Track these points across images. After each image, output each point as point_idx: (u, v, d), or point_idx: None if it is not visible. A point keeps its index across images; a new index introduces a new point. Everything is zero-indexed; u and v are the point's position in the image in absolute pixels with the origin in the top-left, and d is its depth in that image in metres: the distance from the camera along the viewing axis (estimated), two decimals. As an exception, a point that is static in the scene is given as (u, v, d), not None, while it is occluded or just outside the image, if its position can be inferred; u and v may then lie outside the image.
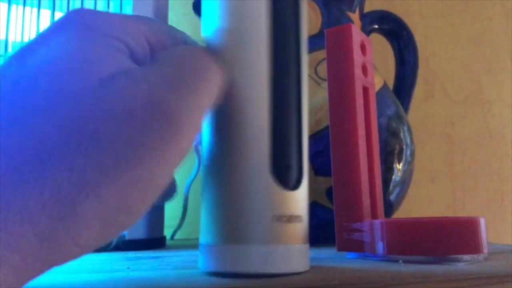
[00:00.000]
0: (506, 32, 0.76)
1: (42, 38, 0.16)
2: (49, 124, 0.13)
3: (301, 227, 0.19)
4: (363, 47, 0.29)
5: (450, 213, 0.68)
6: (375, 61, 0.49)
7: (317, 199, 0.34)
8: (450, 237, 0.23)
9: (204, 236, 0.19)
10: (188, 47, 0.18)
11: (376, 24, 0.47)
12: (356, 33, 0.28)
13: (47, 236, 0.12)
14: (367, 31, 0.46)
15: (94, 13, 0.17)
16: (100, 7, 0.43)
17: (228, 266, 0.18)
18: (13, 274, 0.12)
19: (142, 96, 0.14)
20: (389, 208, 0.39)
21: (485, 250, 0.23)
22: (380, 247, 0.24)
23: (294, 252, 0.19)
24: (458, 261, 0.22)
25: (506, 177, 0.72)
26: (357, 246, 0.26)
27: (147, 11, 0.43)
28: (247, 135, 0.19)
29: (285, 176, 0.19)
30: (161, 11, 0.47)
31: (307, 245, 0.20)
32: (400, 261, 0.23)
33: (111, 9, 0.43)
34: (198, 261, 0.20)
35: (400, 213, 0.65)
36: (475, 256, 0.23)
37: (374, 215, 0.28)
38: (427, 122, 0.69)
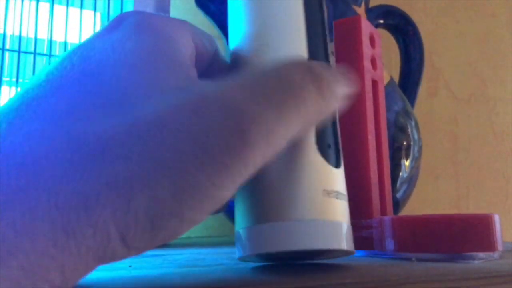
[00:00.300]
0: (510, 29, 0.75)
1: (97, 38, 0.16)
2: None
3: (346, 205, 0.19)
4: (372, 40, 0.28)
5: (454, 211, 0.68)
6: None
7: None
8: (464, 234, 0.22)
9: (246, 220, 0.18)
10: (283, 61, 0.16)
11: (382, 19, 0.46)
12: (365, 25, 0.28)
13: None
14: (373, 25, 0.46)
15: (148, 14, 0.17)
16: (100, 2, 0.42)
17: (280, 244, 0.17)
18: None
19: (215, 100, 0.13)
20: (396, 205, 0.38)
21: (500, 248, 0.23)
22: (390, 244, 0.24)
23: (343, 229, 0.18)
24: (473, 258, 0.22)
25: (511, 175, 0.71)
26: (366, 244, 0.25)
27: (149, 7, 0.42)
28: None
29: (329, 154, 0.19)
30: (163, 7, 0.46)
31: (351, 227, 0.19)
32: (413, 258, 0.22)
33: (111, 4, 0.43)
34: (236, 251, 0.19)
35: (405, 211, 0.64)
36: (490, 254, 0.22)
37: (383, 212, 0.27)
38: (431, 119, 0.69)
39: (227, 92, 0.14)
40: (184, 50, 0.16)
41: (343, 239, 0.18)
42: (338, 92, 0.16)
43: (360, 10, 0.41)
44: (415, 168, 0.37)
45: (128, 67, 0.14)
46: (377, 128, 0.28)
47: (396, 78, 0.48)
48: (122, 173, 0.12)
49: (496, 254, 0.22)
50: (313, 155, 0.18)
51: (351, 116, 0.27)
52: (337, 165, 0.19)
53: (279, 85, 0.14)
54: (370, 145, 0.26)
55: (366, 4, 0.43)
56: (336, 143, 0.20)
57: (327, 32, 0.21)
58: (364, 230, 0.25)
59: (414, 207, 0.65)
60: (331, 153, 0.19)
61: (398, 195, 0.37)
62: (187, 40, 0.17)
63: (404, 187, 0.36)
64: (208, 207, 0.13)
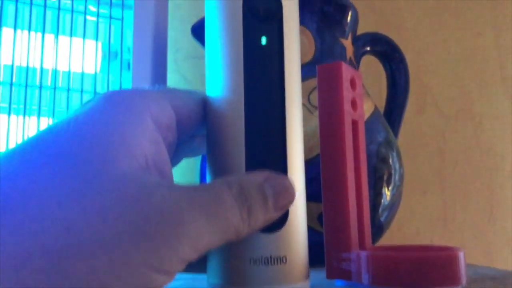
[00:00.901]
0: (496, 47, 0.77)
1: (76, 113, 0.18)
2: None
3: (285, 267, 0.20)
4: (353, 82, 0.31)
5: (440, 225, 0.70)
6: (369, 82, 0.51)
7: (308, 223, 0.35)
8: (430, 271, 0.24)
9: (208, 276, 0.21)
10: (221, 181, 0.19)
11: (369, 46, 0.49)
12: (346, 70, 0.30)
13: None
14: (359, 53, 0.48)
15: (124, 90, 0.19)
16: (101, 30, 0.44)
17: None
18: None
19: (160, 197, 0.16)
20: (380, 229, 0.40)
21: (463, 281, 0.25)
22: (365, 277, 0.26)
23: None
24: (438, 294, 0.24)
25: (495, 189, 0.73)
26: (345, 275, 0.27)
27: (147, 29, 0.45)
28: (226, 163, 0.20)
29: None
30: (161, 29, 0.48)
31: (299, 284, 0.21)
32: (382, 293, 0.24)
33: (112, 31, 0.45)
34: None
35: (393, 226, 0.66)
36: (454, 288, 0.24)
37: (362, 244, 0.29)
38: (419, 135, 0.71)
39: (168, 194, 0.16)
40: (151, 122, 0.18)
41: None
42: (270, 208, 0.19)
43: (347, 42, 0.44)
44: (396, 195, 0.39)
45: (80, 140, 0.16)
46: (356, 165, 0.30)
47: (383, 102, 0.50)
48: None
49: (459, 288, 0.25)
50: None
51: (332, 156, 0.29)
52: (271, 230, 0.20)
53: (211, 200, 0.17)
54: (349, 183, 0.28)
55: (353, 34, 0.45)
56: None
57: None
58: (343, 262, 0.27)
59: (402, 221, 0.67)
60: None
61: (381, 219, 0.39)
62: (160, 106, 0.19)
63: (386, 213, 0.39)
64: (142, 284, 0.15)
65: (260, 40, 0.21)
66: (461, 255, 0.26)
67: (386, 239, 0.66)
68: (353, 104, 0.31)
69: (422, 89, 0.73)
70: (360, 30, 0.49)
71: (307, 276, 0.22)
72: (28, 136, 0.18)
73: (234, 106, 0.21)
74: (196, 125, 0.22)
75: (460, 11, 0.76)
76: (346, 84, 0.30)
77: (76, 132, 0.17)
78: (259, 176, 0.19)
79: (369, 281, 0.26)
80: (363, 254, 0.26)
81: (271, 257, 0.20)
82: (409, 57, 0.72)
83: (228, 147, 0.20)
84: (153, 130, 0.18)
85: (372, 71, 0.53)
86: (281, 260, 0.20)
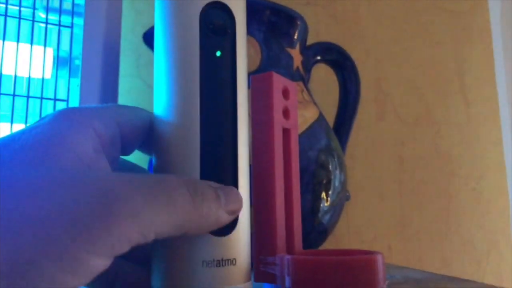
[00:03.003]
0: (454, 57, 0.80)
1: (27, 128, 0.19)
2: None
3: (234, 269, 0.21)
4: (285, 92, 0.32)
5: (398, 229, 0.72)
6: (321, 91, 0.52)
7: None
8: (347, 275, 0.25)
9: (152, 280, 0.22)
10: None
11: (320, 56, 0.50)
12: (278, 80, 0.31)
13: None
14: (311, 62, 0.49)
15: (73, 108, 0.20)
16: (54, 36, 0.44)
17: None
18: None
19: (94, 180, 0.17)
20: (322, 233, 0.41)
21: (381, 284, 0.26)
22: (288, 281, 0.27)
23: None
24: (353, 296, 0.25)
25: (452, 195, 0.75)
26: (270, 278, 0.28)
27: (98, 36, 0.45)
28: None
29: None
30: (112, 36, 0.48)
31: (245, 284, 0.22)
32: (298, 297, 0.25)
33: (62, 39, 0.45)
34: None
35: (351, 229, 0.68)
36: (370, 291, 0.25)
37: (291, 248, 0.30)
38: (379, 142, 0.73)
39: (106, 177, 0.17)
40: (94, 135, 0.20)
41: None
42: (214, 208, 0.19)
43: (295, 52, 0.45)
44: (337, 200, 0.40)
45: (28, 149, 0.18)
46: (287, 172, 0.31)
47: (334, 111, 0.51)
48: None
49: (375, 292, 0.26)
50: None
51: (261, 163, 0.30)
52: (223, 233, 0.21)
53: (155, 182, 0.17)
54: (277, 189, 0.29)
55: (302, 44, 0.47)
56: None
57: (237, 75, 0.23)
58: (268, 266, 0.28)
59: (360, 225, 0.69)
60: None
61: (324, 223, 0.40)
62: (104, 123, 0.20)
63: (327, 217, 0.40)
64: (81, 271, 0.15)
65: (215, 53, 0.22)
66: (378, 258, 0.27)
67: (343, 245, 0.67)
68: (286, 113, 0.32)
69: (382, 97, 0.74)
70: (321, 39, 0.51)
71: (250, 278, 0.23)
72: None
73: (189, 115, 0.21)
74: (140, 140, 0.23)
75: (420, 21, 0.78)
76: (277, 94, 0.31)
77: (26, 141, 0.18)
78: (212, 182, 0.21)
79: (290, 285, 0.26)
80: (286, 257, 0.27)
81: (222, 259, 0.21)
82: (369, 65, 0.74)
83: (181, 154, 0.21)
84: (97, 143, 0.20)
85: (324, 80, 0.55)
86: (231, 262, 0.21)
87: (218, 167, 0.21)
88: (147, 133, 0.23)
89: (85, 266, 0.15)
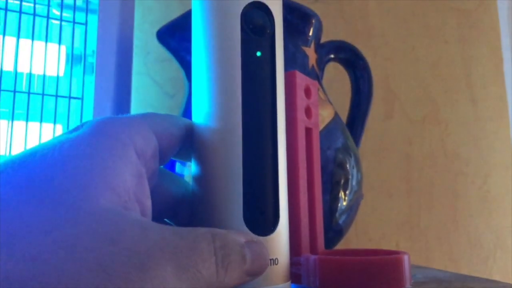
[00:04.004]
0: (461, 55, 0.79)
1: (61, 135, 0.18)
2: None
3: (276, 268, 0.21)
4: (307, 91, 0.31)
5: (406, 228, 0.72)
6: (333, 89, 0.52)
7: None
8: (375, 275, 0.25)
9: None
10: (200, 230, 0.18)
11: (333, 54, 0.50)
12: (300, 78, 0.31)
13: None
14: (324, 61, 0.49)
15: (108, 118, 0.19)
16: (66, 37, 0.44)
17: None
18: None
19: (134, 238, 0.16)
20: (339, 233, 0.41)
21: (407, 284, 0.26)
22: (314, 281, 0.27)
23: None
24: (381, 296, 0.25)
25: (460, 193, 0.75)
26: (297, 279, 0.28)
27: (112, 33, 0.45)
28: (221, 183, 0.21)
29: (257, 223, 0.21)
30: (126, 33, 0.48)
31: (286, 284, 0.22)
32: (327, 297, 0.25)
33: (76, 36, 0.45)
34: None
35: (359, 227, 0.68)
36: (397, 291, 0.25)
37: (314, 248, 0.30)
38: (387, 140, 0.73)
39: (139, 233, 0.16)
40: (134, 155, 0.19)
41: None
42: (244, 269, 0.19)
43: (310, 50, 0.45)
44: (354, 200, 0.40)
45: (63, 170, 0.16)
46: (310, 171, 0.31)
47: (346, 109, 0.51)
48: None
49: (402, 291, 0.26)
50: (237, 227, 0.20)
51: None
52: (266, 233, 0.21)
53: (188, 249, 0.17)
54: (301, 189, 0.29)
55: (317, 42, 0.46)
56: (276, 207, 0.21)
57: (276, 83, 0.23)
58: (294, 266, 0.28)
59: (368, 223, 0.69)
60: (261, 220, 0.21)
61: (340, 222, 0.40)
62: (144, 138, 0.20)
63: (344, 216, 0.40)
64: None
65: (256, 53, 0.22)
66: (405, 258, 0.27)
67: (352, 243, 0.67)
68: (308, 112, 0.31)
69: (390, 95, 0.74)
70: (329, 37, 0.51)
71: (289, 277, 0.24)
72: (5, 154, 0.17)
73: (231, 118, 0.21)
74: (177, 150, 0.23)
75: (428, 20, 0.78)
76: (300, 93, 0.30)
77: (60, 161, 0.16)
78: (241, 236, 0.20)
79: (317, 284, 0.26)
80: (312, 258, 0.27)
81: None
82: (377, 64, 0.74)
83: (224, 159, 0.21)
84: (137, 164, 0.19)
85: (339, 78, 0.55)
86: (274, 261, 0.21)
87: (260, 171, 0.21)
88: (183, 142, 0.23)
89: None
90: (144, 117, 0.21)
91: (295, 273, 0.28)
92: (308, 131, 0.31)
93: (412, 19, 0.78)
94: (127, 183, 0.18)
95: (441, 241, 0.72)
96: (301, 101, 0.30)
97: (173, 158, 0.24)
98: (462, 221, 0.75)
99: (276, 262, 0.21)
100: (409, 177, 0.73)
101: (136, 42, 0.64)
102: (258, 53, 0.22)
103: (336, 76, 0.55)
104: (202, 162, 0.22)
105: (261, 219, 0.21)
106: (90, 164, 0.17)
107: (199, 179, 0.22)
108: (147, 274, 0.15)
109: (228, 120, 0.21)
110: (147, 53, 0.65)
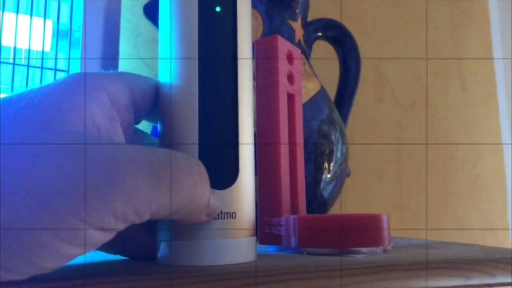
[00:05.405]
0: (452, 41, 0.80)
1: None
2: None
3: (233, 222, 0.21)
4: (290, 57, 0.32)
5: (396, 211, 0.72)
6: (322, 66, 0.52)
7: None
8: (351, 232, 0.25)
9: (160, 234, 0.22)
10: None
11: (321, 32, 0.50)
12: (282, 44, 0.31)
13: None
14: (311, 38, 0.49)
15: (88, 73, 0.20)
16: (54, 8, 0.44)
17: (182, 260, 0.20)
18: None
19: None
20: (324, 204, 0.41)
21: (386, 244, 0.26)
22: (293, 240, 0.27)
23: (228, 246, 0.21)
24: (357, 253, 0.25)
25: (449, 177, 0.76)
26: (276, 240, 0.28)
27: (99, 8, 0.45)
28: (179, 138, 0.21)
29: (211, 176, 0.20)
30: (113, 8, 0.48)
31: (246, 239, 0.22)
32: (304, 252, 0.25)
33: (62, 14, 0.45)
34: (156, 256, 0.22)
35: (348, 210, 0.68)
36: (374, 249, 0.25)
37: (295, 212, 0.30)
38: (377, 124, 0.73)
39: (113, 148, 0.17)
40: (107, 99, 0.20)
41: (229, 255, 0.21)
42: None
43: (297, 25, 0.45)
44: (339, 171, 0.40)
45: (34, 108, 0.18)
46: (291, 136, 0.31)
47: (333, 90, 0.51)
48: None
49: (379, 249, 0.26)
50: None
51: (266, 127, 0.30)
52: (222, 187, 0.21)
53: (164, 162, 0.17)
54: (282, 152, 0.29)
55: (304, 18, 0.47)
56: (234, 162, 0.22)
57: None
58: (274, 227, 0.28)
59: (358, 206, 0.69)
60: (215, 173, 0.21)
61: (324, 194, 0.40)
62: (117, 87, 0.20)
63: (329, 188, 0.40)
64: (78, 241, 0.15)
65: (214, 8, 0.22)
66: (384, 217, 0.27)
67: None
68: (290, 78, 0.32)
69: (380, 80, 0.74)
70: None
71: (254, 234, 0.23)
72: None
73: (188, 76, 0.21)
74: (149, 108, 0.23)
75: (419, 5, 0.78)
76: (282, 57, 0.31)
77: (32, 100, 0.18)
78: None
79: (296, 243, 0.26)
80: (291, 217, 0.27)
81: (221, 212, 0.21)
82: (368, 48, 0.74)
83: (181, 117, 0.21)
84: (109, 106, 0.19)
85: (325, 57, 0.55)
86: (231, 215, 0.21)
87: (215, 125, 0.21)
88: (154, 100, 0.23)
89: (82, 236, 0.15)
90: (118, 73, 0.22)
91: (275, 235, 0.28)
92: (291, 96, 0.31)
93: (403, 5, 0.78)
94: (97, 119, 0.18)
95: (431, 225, 0.73)
96: (283, 66, 0.30)
97: (145, 120, 0.25)
98: (452, 205, 0.75)
99: (234, 216, 0.21)
100: (399, 161, 0.73)
101: (126, 24, 0.64)
102: (218, 8, 0.22)
103: (325, 56, 0.55)
104: (163, 119, 0.22)
105: (214, 171, 0.21)
106: (67, 102, 0.18)
107: (162, 135, 0.22)
108: (116, 185, 0.15)
109: (185, 77, 0.21)
110: (137, 35, 0.64)
